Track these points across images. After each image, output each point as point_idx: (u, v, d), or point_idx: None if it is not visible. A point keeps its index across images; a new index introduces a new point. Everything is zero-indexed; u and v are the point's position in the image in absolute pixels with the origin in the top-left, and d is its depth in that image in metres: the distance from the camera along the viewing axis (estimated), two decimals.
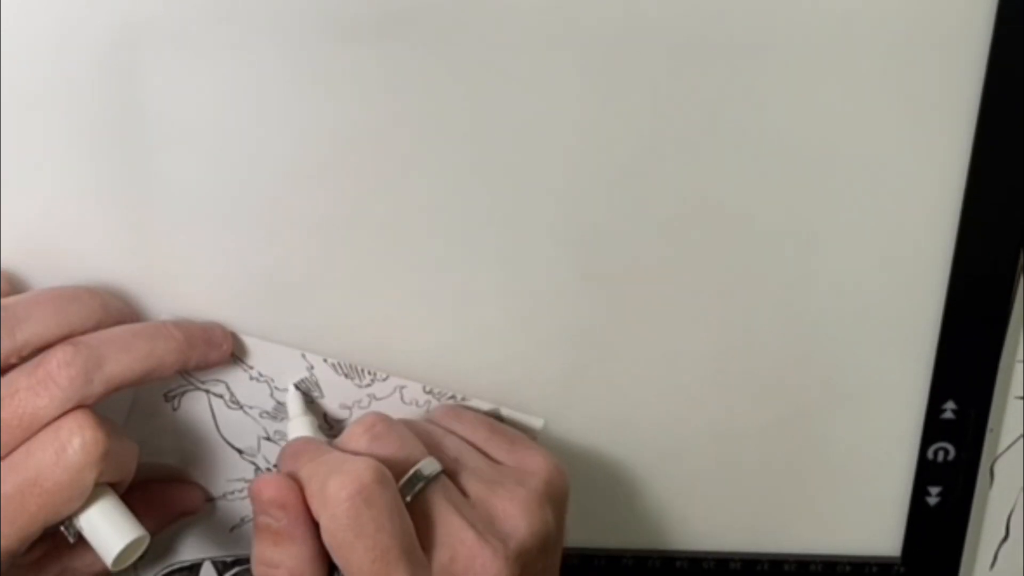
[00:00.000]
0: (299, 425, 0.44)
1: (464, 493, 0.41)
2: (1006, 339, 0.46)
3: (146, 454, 0.42)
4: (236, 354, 0.44)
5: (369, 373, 0.45)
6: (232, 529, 0.48)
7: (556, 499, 0.42)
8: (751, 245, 0.45)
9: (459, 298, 0.45)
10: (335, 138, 0.42)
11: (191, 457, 0.46)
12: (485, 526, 0.39)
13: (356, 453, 0.40)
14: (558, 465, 0.43)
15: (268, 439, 0.46)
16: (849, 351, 0.47)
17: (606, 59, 0.41)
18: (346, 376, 0.45)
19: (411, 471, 0.39)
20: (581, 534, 0.50)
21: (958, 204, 0.44)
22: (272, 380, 0.45)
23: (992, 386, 0.47)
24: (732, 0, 0.41)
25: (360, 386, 0.45)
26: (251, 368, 0.45)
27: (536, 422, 0.47)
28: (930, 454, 0.48)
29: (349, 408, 0.46)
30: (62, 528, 0.39)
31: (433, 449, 0.42)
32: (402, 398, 0.46)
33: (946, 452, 0.48)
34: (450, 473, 0.41)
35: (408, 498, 0.39)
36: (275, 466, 0.46)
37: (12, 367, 0.39)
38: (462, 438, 0.44)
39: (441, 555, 0.38)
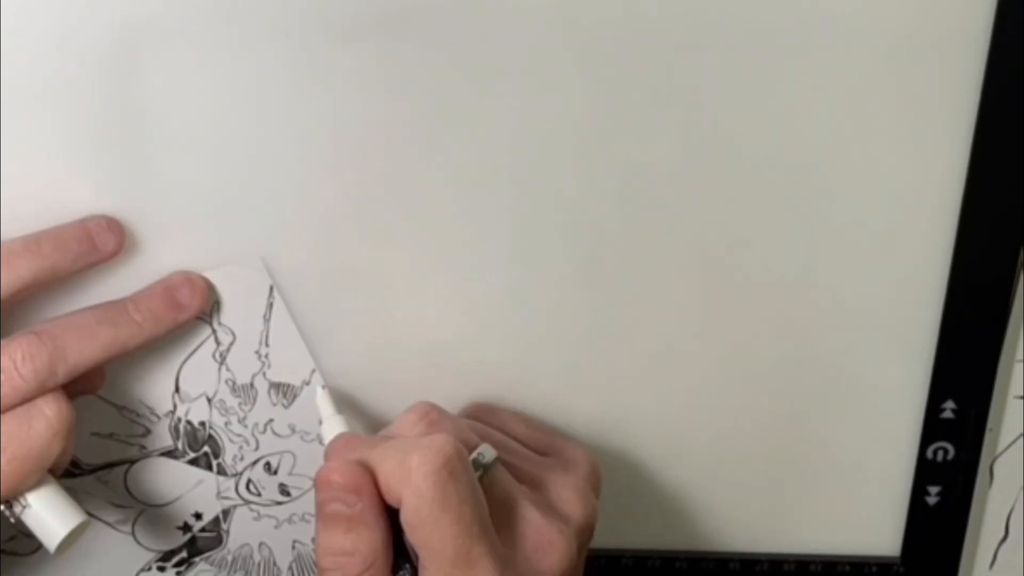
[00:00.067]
0: (336, 424, 0.44)
1: (518, 481, 0.41)
2: (1005, 338, 0.46)
3: None
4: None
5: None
6: None
7: (597, 488, 0.43)
8: (752, 244, 0.45)
9: (459, 297, 0.45)
10: (336, 138, 0.42)
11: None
12: (548, 508, 0.40)
13: None
14: (595, 457, 0.44)
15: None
16: (849, 351, 0.47)
17: (607, 58, 0.41)
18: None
19: (472, 455, 0.39)
20: None
21: (958, 204, 0.44)
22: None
23: (992, 385, 0.47)
24: (732, 0, 0.41)
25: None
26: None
27: None
28: (930, 454, 0.48)
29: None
30: (3, 509, 0.40)
31: (482, 440, 0.42)
32: None
33: (946, 452, 0.48)
34: (502, 463, 0.41)
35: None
36: None
37: None
38: (504, 433, 0.44)
39: (511, 534, 0.39)
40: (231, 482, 0.48)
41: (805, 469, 0.49)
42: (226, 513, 0.48)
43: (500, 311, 0.46)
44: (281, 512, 0.49)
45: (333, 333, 0.45)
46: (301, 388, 0.46)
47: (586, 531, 0.41)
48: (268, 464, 0.48)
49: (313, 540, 0.45)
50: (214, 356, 0.45)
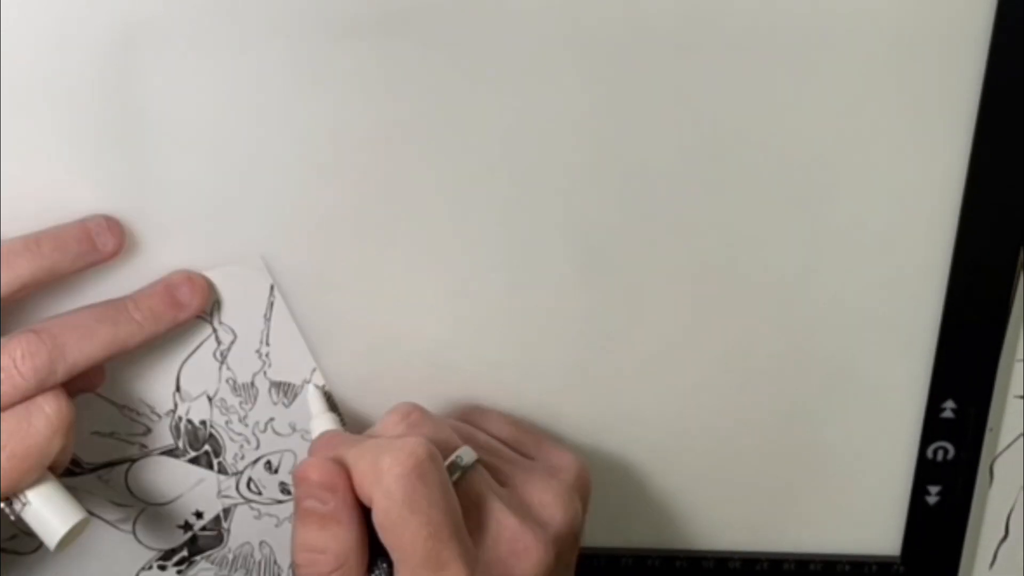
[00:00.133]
0: (325, 421, 0.44)
1: (499, 484, 0.41)
2: (1005, 338, 0.46)
3: None
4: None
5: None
6: None
7: (583, 494, 0.43)
8: (752, 244, 0.45)
9: (460, 297, 0.45)
10: (335, 138, 0.42)
11: None
12: (525, 513, 0.40)
13: None
14: (583, 462, 0.44)
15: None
16: (849, 351, 0.47)
17: (607, 58, 0.41)
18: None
19: (451, 458, 0.39)
20: None
21: (958, 204, 0.44)
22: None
23: (992, 385, 0.47)
24: (732, 1, 0.41)
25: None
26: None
27: None
28: (930, 453, 0.48)
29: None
30: (3, 506, 0.40)
31: (465, 442, 0.42)
32: None
33: (946, 451, 0.48)
34: (484, 465, 0.41)
35: (452, 480, 0.39)
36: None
37: None
38: (490, 435, 0.44)
39: (484, 538, 0.39)
40: (232, 481, 0.48)
41: (805, 468, 0.49)
42: (227, 512, 0.48)
43: (499, 311, 0.46)
44: (282, 511, 0.49)
45: (332, 333, 0.45)
46: (302, 387, 0.46)
47: (567, 538, 0.41)
48: (269, 463, 0.48)
49: None
50: (215, 355, 0.45)
